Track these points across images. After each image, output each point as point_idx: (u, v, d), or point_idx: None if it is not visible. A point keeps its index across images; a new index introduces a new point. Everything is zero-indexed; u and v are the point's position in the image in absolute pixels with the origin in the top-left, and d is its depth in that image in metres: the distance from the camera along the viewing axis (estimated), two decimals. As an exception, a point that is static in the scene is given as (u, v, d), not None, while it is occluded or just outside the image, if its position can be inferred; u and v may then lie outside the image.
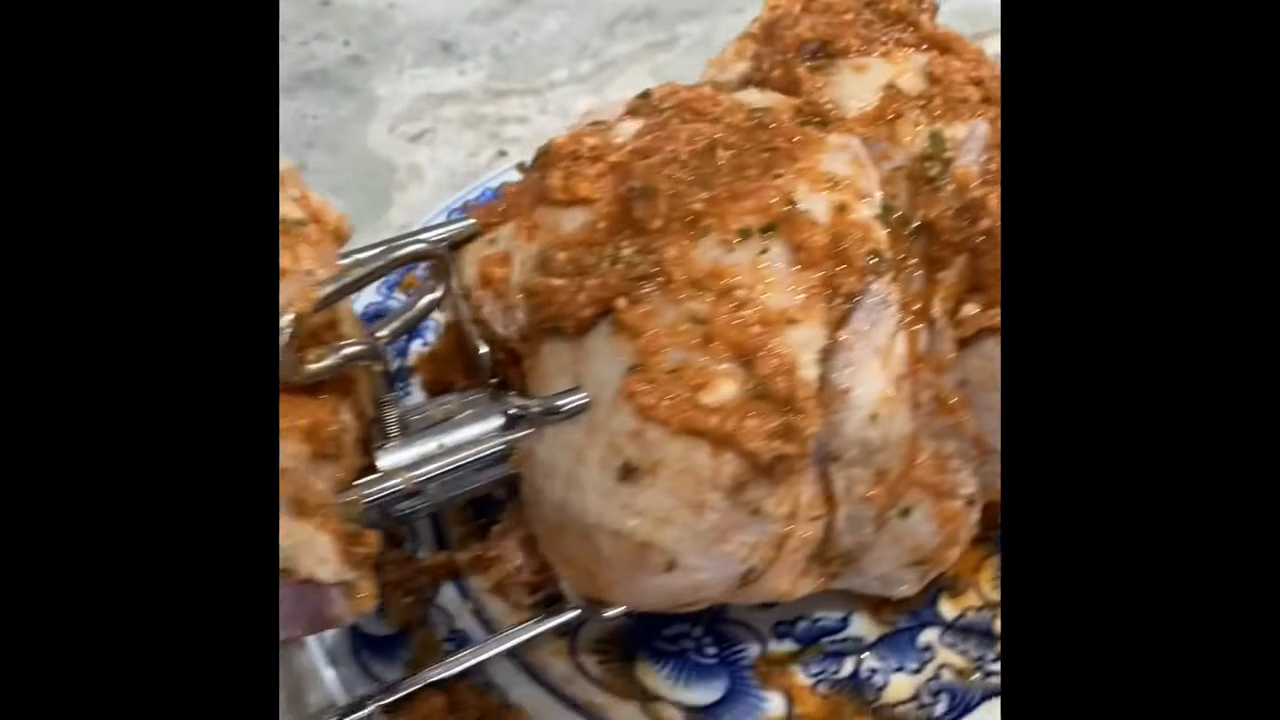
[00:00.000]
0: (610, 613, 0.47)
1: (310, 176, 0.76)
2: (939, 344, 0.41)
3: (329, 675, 0.47)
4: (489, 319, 0.45)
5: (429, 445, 0.43)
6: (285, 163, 0.46)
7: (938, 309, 0.41)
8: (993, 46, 0.46)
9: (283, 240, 0.43)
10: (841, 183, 0.41)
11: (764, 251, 0.40)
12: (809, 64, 0.47)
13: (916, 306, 0.41)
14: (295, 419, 0.40)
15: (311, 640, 0.48)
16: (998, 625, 0.50)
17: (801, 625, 0.50)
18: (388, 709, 0.45)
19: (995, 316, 0.40)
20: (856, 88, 0.46)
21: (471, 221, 0.47)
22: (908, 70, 0.46)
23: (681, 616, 0.50)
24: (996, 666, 0.48)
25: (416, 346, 0.60)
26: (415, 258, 0.42)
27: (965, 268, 0.41)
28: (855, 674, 0.49)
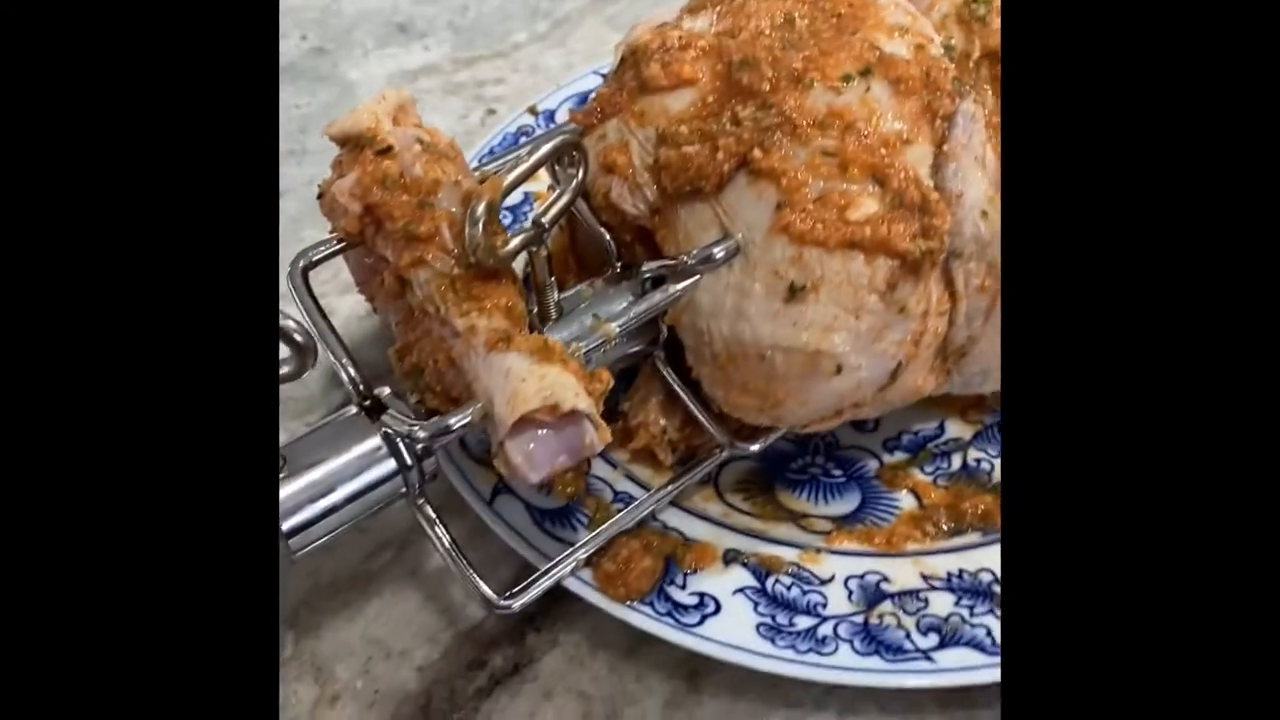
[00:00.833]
0: (752, 448, 0.53)
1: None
2: (1018, 148, 0.48)
3: (522, 548, 0.51)
4: (618, 201, 0.50)
5: (586, 320, 0.49)
6: (404, 92, 0.51)
7: (1013, 119, 0.48)
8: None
9: (426, 160, 0.47)
10: (910, 29, 0.49)
11: (868, 90, 0.46)
12: (842, -55, 0.54)
13: (996, 120, 0.48)
14: (497, 300, 0.45)
15: (492, 520, 0.52)
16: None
17: (906, 438, 0.58)
18: (591, 559, 0.50)
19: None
20: (888, -43, 0.53)
21: (573, 124, 0.53)
22: (925, -61, 0.54)
23: (804, 449, 0.57)
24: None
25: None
26: (563, 147, 0.47)
27: (1029, 81, 0.49)
28: (965, 465, 0.56)
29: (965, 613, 0.49)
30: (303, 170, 0.78)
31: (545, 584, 0.49)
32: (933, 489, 0.55)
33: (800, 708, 0.50)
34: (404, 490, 0.46)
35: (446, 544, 0.48)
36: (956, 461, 0.56)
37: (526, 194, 0.68)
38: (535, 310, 0.49)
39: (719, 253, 0.46)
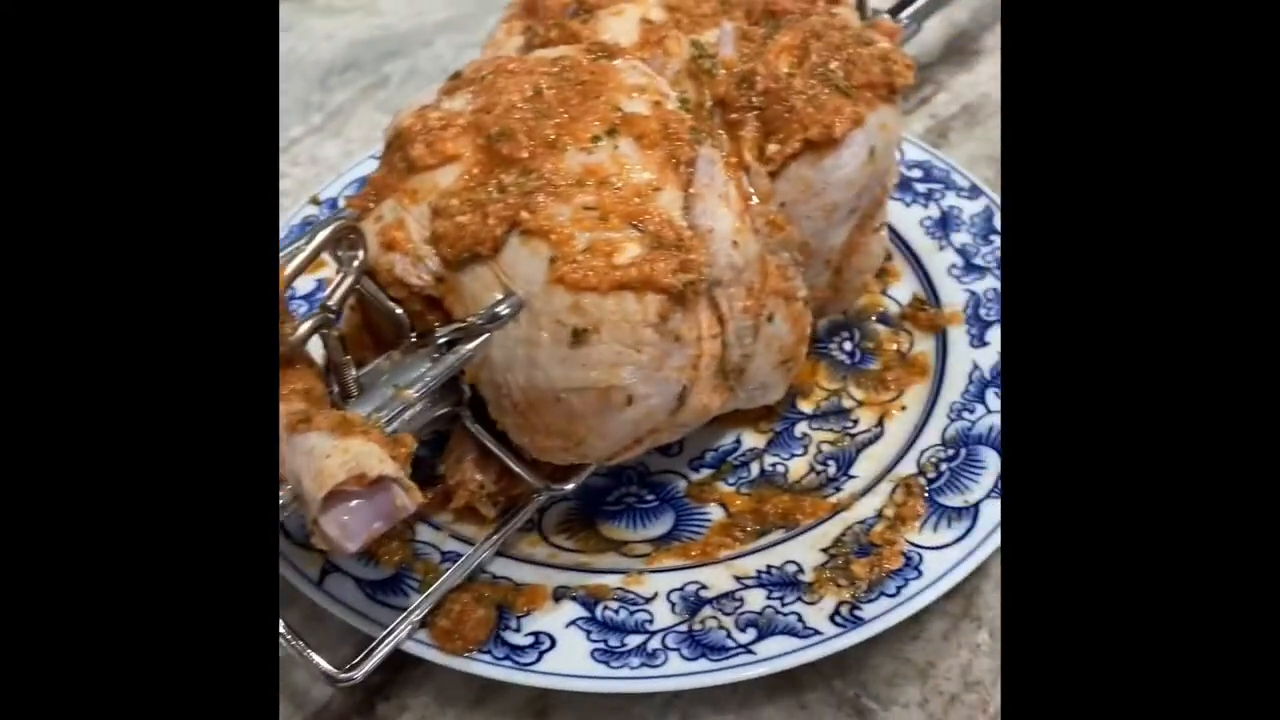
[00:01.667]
0: (567, 487, 0.57)
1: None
2: (757, 181, 0.54)
3: (357, 621, 0.53)
4: (403, 275, 0.53)
5: (386, 392, 0.51)
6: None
7: (748, 157, 0.54)
8: None
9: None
10: (646, 88, 0.54)
11: (616, 147, 0.51)
12: (577, 19, 0.59)
13: (733, 160, 0.54)
14: (294, 385, 0.47)
15: (324, 601, 0.54)
16: (846, 403, 0.64)
17: (709, 455, 0.62)
18: (426, 619, 0.52)
19: (791, 148, 0.53)
20: (619, 28, 0.59)
21: (350, 210, 0.55)
22: (650, 6, 0.59)
23: (617, 481, 0.61)
24: (856, 429, 0.63)
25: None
26: (341, 232, 0.49)
27: (756, 122, 0.54)
28: (763, 471, 0.61)
29: (777, 604, 0.53)
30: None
31: (384, 650, 0.50)
32: (737, 497, 0.60)
33: (644, 723, 0.53)
34: (230, 584, 0.47)
35: (283, 628, 0.49)
36: (755, 469, 0.61)
37: (320, 281, 0.70)
38: (336, 390, 0.51)
39: (504, 310, 0.50)
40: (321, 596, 0.54)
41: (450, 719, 0.54)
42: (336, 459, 0.42)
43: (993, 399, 0.61)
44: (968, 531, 0.55)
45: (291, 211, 0.75)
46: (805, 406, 0.64)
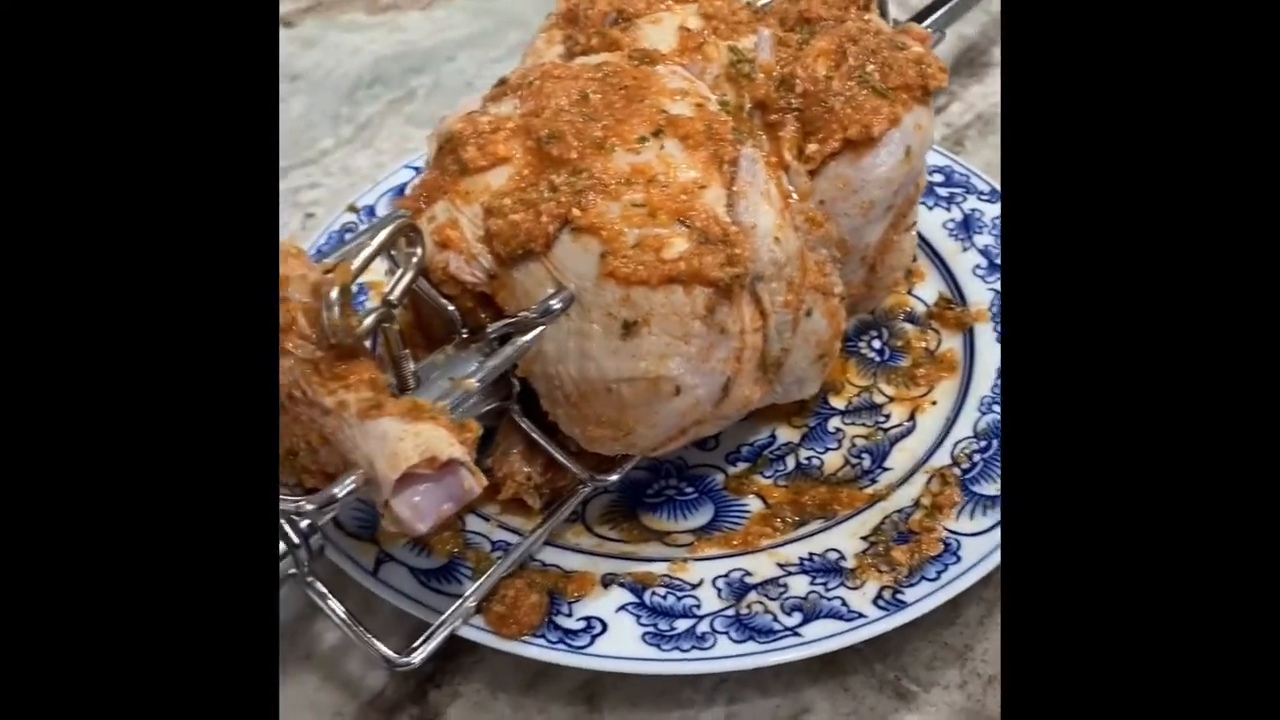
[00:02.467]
0: (611, 478, 0.58)
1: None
2: (796, 180, 0.56)
3: (412, 608, 0.54)
4: (457, 273, 0.55)
5: (443, 384, 0.53)
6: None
7: (787, 156, 0.56)
8: None
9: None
10: (688, 91, 0.56)
11: (662, 148, 0.53)
12: (617, 28, 0.61)
13: (773, 159, 0.56)
14: (359, 374, 0.48)
15: (379, 589, 0.55)
16: (877, 398, 0.66)
17: (744, 449, 0.64)
18: (480, 605, 0.53)
19: (830, 147, 0.56)
20: (658, 36, 0.61)
21: (403, 211, 0.57)
22: (688, 15, 0.62)
23: (656, 474, 0.63)
24: (888, 424, 0.64)
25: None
26: (401, 229, 0.51)
27: (795, 123, 0.57)
28: (799, 465, 0.63)
29: (821, 589, 0.55)
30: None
31: (442, 635, 0.52)
32: (775, 489, 0.62)
33: (692, 707, 0.54)
34: (292, 571, 0.49)
35: (342, 614, 0.50)
36: (791, 463, 0.63)
37: (361, 285, 0.72)
38: (394, 383, 0.52)
39: (557, 304, 0.52)
40: (377, 585, 0.55)
41: (502, 704, 0.55)
42: (409, 442, 0.44)
43: (1021, 392, 0.63)
44: (1003, 518, 0.56)
45: (332, 219, 0.77)
46: (837, 402, 0.66)
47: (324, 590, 0.50)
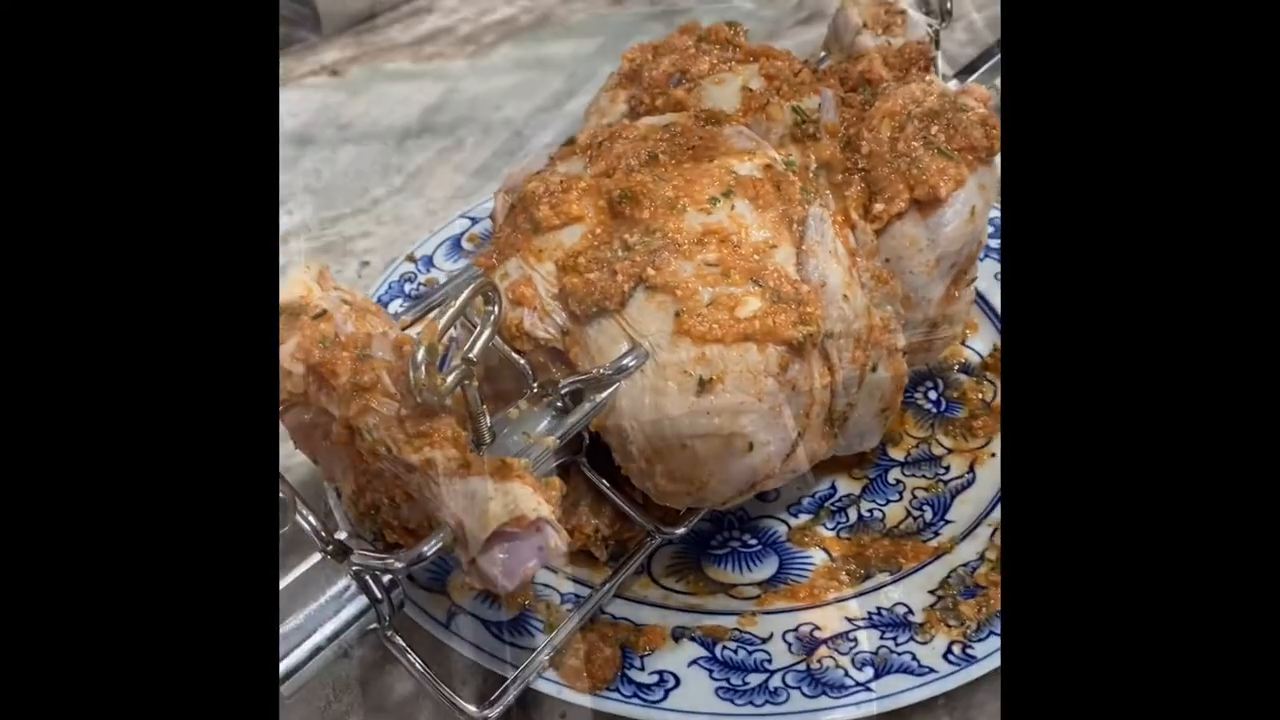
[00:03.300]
0: (678, 531, 0.59)
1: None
2: (862, 238, 0.57)
3: (486, 661, 0.55)
4: (531, 329, 0.56)
5: (517, 439, 0.54)
6: (320, 262, 0.55)
7: (853, 215, 0.57)
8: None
9: (355, 317, 0.52)
10: (755, 151, 0.57)
11: (733, 208, 0.54)
12: (681, 88, 0.63)
13: (839, 218, 0.57)
14: (443, 432, 0.49)
15: (453, 641, 0.56)
16: (935, 450, 0.67)
17: (806, 501, 0.65)
18: (554, 659, 0.54)
19: (897, 207, 0.57)
20: (721, 96, 0.62)
21: (480, 270, 0.58)
22: (750, 75, 0.63)
23: (719, 525, 0.63)
24: (949, 475, 0.65)
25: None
26: (480, 289, 0.52)
27: (861, 183, 0.58)
28: (860, 516, 0.63)
29: (891, 643, 0.55)
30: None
31: (518, 688, 0.52)
32: (838, 542, 0.62)
33: (764, 760, 0.55)
34: (374, 625, 0.49)
35: (420, 668, 0.51)
36: (853, 515, 0.64)
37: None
38: (471, 438, 0.53)
39: (631, 361, 0.53)
40: (451, 637, 0.56)
41: (573, 757, 0.55)
42: (499, 501, 0.45)
43: (1080, 445, 0.63)
44: (1068, 572, 0.57)
45: (391, 268, 0.78)
46: (896, 454, 0.67)
47: (403, 645, 0.51)
